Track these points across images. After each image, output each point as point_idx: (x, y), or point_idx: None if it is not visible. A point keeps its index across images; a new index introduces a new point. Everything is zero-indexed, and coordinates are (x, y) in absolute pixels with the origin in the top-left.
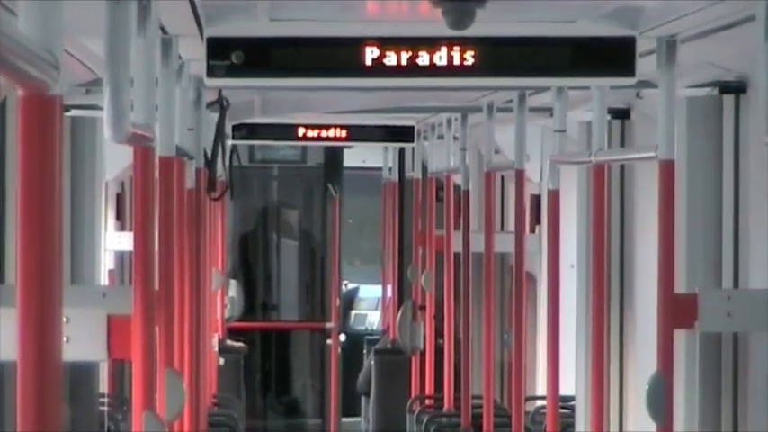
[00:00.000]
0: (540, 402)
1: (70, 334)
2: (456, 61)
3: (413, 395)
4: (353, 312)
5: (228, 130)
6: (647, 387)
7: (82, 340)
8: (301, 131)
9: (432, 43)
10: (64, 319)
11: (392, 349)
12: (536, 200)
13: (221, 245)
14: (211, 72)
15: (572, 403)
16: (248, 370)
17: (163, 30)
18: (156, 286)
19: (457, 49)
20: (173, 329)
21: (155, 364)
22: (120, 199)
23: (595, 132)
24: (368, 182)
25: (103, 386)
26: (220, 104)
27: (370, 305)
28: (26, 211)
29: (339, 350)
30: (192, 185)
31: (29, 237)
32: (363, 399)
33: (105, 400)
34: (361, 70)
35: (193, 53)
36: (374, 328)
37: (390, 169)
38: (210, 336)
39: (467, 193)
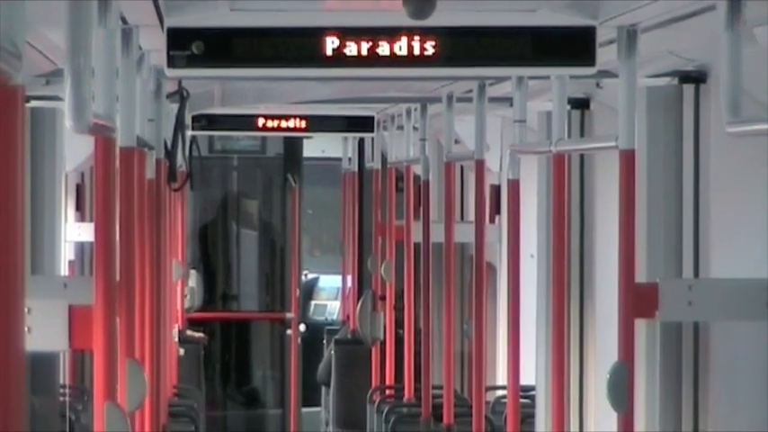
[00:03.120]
0: (500, 392)
1: (32, 324)
2: (416, 51)
3: (373, 385)
4: (313, 303)
5: (188, 120)
6: (608, 376)
7: (43, 331)
8: (261, 122)
9: (392, 33)
10: (26, 310)
11: (352, 339)
12: (496, 190)
13: (181, 235)
14: (172, 62)
15: (532, 393)
16: (208, 360)
17: (123, 20)
18: (117, 277)
19: (417, 38)
20: (134, 320)
21: (116, 355)
22: (79, 190)
23: (555, 122)
24: (327, 172)
25: (64, 377)
26: (180, 95)
27: (330, 295)
28: None
29: (299, 340)
30: (153, 176)
31: None
32: (323, 389)
33: (66, 390)
34: (321, 60)
35: (154, 44)
36: (334, 318)
37: (350, 159)
38: (171, 326)
39: (426, 183)
